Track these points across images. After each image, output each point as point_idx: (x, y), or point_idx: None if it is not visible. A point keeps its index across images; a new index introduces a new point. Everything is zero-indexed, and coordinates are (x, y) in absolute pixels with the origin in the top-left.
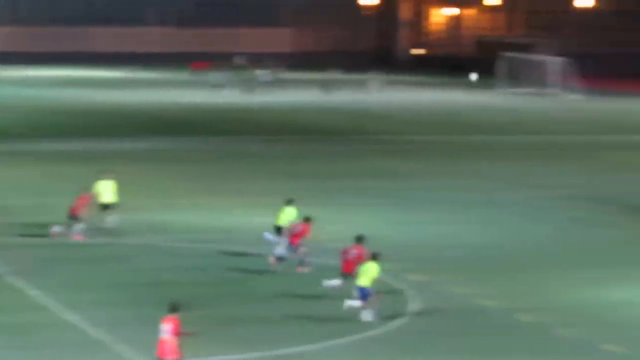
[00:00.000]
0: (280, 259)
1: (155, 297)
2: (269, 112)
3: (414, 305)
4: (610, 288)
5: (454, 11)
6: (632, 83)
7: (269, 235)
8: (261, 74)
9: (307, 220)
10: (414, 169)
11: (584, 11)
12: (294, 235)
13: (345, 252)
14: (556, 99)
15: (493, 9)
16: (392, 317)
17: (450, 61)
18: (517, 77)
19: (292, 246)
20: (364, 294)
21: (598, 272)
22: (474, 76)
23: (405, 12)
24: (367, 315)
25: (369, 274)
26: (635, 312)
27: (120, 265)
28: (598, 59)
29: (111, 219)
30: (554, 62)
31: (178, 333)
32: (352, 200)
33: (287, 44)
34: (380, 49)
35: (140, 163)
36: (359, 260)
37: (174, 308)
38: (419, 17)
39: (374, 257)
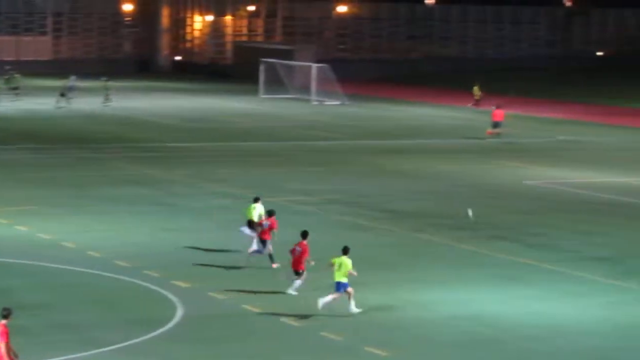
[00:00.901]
0: (256, 252)
1: None
2: (15, 120)
3: (179, 312)
4: (372, 291)
5: (213, 17)
6: (390, 89)
7: (247, 230)
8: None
9: (271, 214)
10: (175, 175)
11: (343, 17)
12: (265, 231)
13: (293, 251)
14: (317, 105)
15: (251, 14)
16: (157, 324)
17: (210, 67)
18: (278, 83)
19: (263, 240)
20: (342, 288)
21: (360, 276)
22: None
23: (165, 18)
24: (353, 308)
25: (343, 268)
26: (396, 315)
27: None
28: (357, 65)
29: None
30: (313, 68)
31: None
32: (110, 208)
33: (48, 52)
34: (141, 56)
35: None
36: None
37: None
38: (179, 23)
39: (345, 251)
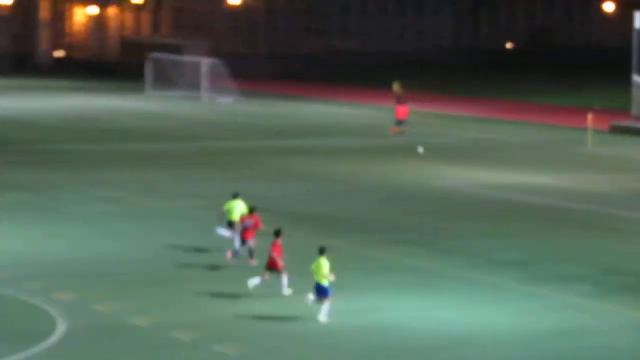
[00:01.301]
0: (235, 253)
1: None
2: None
3: (59, 327)
4: (269, 300)
5: (96, 10)
6: (288, 85)
7: (223, 231)
8: None
9: (253, 211)
10: (57, 180)
11: (234, 10)
12: (248, 230)
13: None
14: (208, 103)
15: (137, 7)
16: (35, 340)
17: (94, 64)
18: (167, 79)
19: (244, 240)
20: (324, 292)
21: (222, 286)
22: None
23: (44, 11)
24: (323, 316)
25: (321, 270)
26: (296, 326)
27: None
28: (251, 60)
29: None
30: (204, 64)
31: None
32: None
33: None
34: (18, 52)
35: None
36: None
37: None
38: (60, 16)
39: (322, 251)
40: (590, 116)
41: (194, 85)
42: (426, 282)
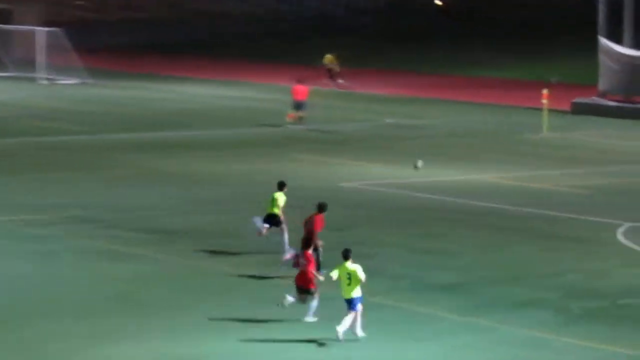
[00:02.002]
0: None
1: None
2: None
3: None
4: (122, 343)
5: None
6: (151, 60)
7: (259, 221)
8: None
9: (322, 209)
10: None
11: None
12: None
13: (297, 263)
14: (47, 85)
15: None
16: None
17: None
18: None
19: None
20: (355, 303)
21: (106, 324)
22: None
23: None
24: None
25: (353, 280)
26: None
27: None
28: (102, 29)
29: None
30: (40, 34)
31: None
32: None
33: None
34: None
35: None
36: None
37: None
38: None
39: (346, 256)
40: (545, 93)
41: (27, 63)
42: (333, 314)
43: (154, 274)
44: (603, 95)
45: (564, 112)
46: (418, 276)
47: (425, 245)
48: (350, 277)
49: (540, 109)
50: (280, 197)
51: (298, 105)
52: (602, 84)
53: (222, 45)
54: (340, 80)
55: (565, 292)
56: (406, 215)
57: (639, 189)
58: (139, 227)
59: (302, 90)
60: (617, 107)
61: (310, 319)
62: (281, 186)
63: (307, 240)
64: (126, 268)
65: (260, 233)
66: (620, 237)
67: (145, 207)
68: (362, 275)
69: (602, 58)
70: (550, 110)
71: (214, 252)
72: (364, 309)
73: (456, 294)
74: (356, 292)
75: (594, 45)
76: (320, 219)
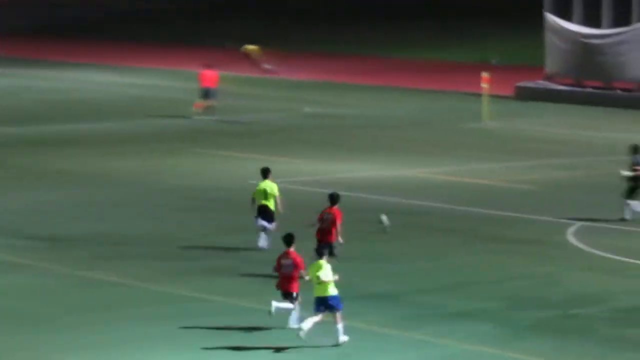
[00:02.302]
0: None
1: None
2: None
3: None
4: None
5: None
6: (38, 43)
7: (263, 222)
8: None
9: (335, 200)
10: None
11: None
12: (325, 230)
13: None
14: None
15: None
16: None
17: None
18: None
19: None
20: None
21: None
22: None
23: None
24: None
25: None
26: None
27: None
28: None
29: None
30: None
31: None
32: None
33: None
34: None
35: None
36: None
37: None
38: None
39: (320, 253)
40: (485, 76)
41: None
42: (257, 327)
43: (44, 287)
44: (551, 78)
45: (507, 98)
46: (347, 285)
47: (354, 250)
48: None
49: (480, 95)
50: (271, 186)
51: (206, 93)
52: (550, 66)
53: (119, 26)
54: (267, 66)
55: (511, 302)
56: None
57: (590, 183)
58: (25, 234)
59: (211, 77)
60: (567, 91)
61: (295, 324)
62: (265, 173)
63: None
64: (12, 280)
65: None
66: (571, 238)
67: (29, 211)
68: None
69: (548, 36)
70: (492, 96)
71: (113, 261)
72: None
73: (389, 304)
74: (328, 292)
75: (539, 22)
76: (338, 211)
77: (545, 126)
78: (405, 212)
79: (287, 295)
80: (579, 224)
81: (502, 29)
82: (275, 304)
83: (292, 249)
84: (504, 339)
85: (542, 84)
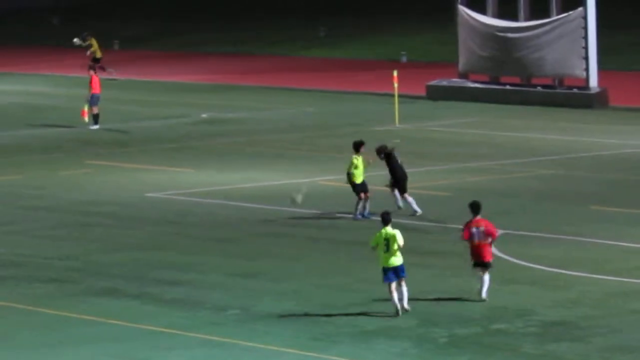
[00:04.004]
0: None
1: None
2: None
3: None
4: None
5: None
6: None
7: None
8: None
9: (476, 210)
10: None
11: None
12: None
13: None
14: None
15: None
16: None
17: None
18: None
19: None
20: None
21: None
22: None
23: None
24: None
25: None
26: None
27: None
28: None
29: None
30: None
31: None
32: None
33: None
34: None
35: None
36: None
37: None
38: None
39: (386, 221)
40: (395, 76)
41: None
42: (150, 356)
43: None
44: (464, 75)
45: (419, 98)
46: (246, 305)
47: (251, 267)
48: (389, 242)
49: (390, 95)
50: (359, 160)
51: (95, 100)
52: (463, 63)
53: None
54: (110, 70)
55: (427, 318)
56: (225, 230)
57: (509, 188)
58: None
59: (95, 81)
60: (482, 89)
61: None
62: (358, 146)
63: (475, 207)
64: None
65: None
66: (492, 247)
67: None
68: (401, 240)
69: (461, 31)
70: (401, 96)
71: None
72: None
73: (293, 324)
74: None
75: (450, 14)
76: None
77: (460, 127)
78: (309, 224)
79: (485, 265)
80: (500, 232)
81: (411, 23)
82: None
83: (479, 217)
84: (424, 357)
85: (455, 82)
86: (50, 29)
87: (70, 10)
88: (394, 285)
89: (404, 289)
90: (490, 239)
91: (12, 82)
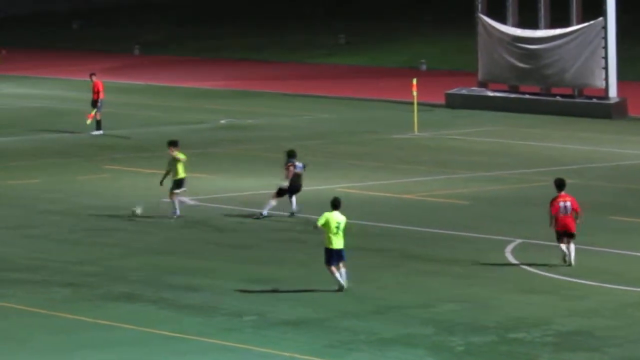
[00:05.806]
0: None
1: None
2: None
3: None
4: None
5: None
6: None
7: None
8: None
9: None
10: None
11: None
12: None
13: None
14: None
15: None
16: None
17: None
18: None
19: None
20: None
21: None
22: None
23: None
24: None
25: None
26: None
27: None
28: None
29: None
30: None
31: None
32: None
33: None
34: None
35: None
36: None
37: None
38: None
39: (336, 205)
40: (415, 84)
41: None
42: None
43: None
44: (483, 84)
45: (438, 106)
46: (262, 311)
47: (267, 273)
48: (339, 226)
49: (409, 103)
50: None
51: (98, 104)
52: (483, 72)
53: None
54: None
55: (443, 326)
56: (242, 236)
57: (528, 196)
58: None
59: (100, 86)
60: (501, 98)
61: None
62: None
63: (560, 184)
64: None
65: None
66: (509, 256)
67: None
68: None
69: (481, 40)
70: (421, 104)
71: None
72: None
73: (309, 331)
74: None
75: (471, 24)
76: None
77: (479, 136)
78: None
79: (571, 235)
80: (519, 240)
81: (431, 31)
82: (572, 251)
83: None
84: None
85: (474, 90)
86: (69, 33)
87: (89, 15)
88: (334, 267)
89: (343, 270)
90: (575, 213)
91: (30, 86)
